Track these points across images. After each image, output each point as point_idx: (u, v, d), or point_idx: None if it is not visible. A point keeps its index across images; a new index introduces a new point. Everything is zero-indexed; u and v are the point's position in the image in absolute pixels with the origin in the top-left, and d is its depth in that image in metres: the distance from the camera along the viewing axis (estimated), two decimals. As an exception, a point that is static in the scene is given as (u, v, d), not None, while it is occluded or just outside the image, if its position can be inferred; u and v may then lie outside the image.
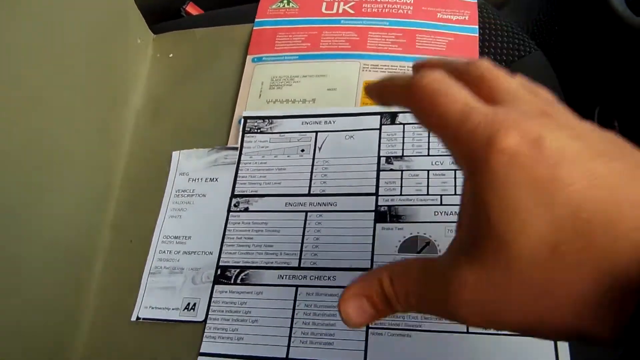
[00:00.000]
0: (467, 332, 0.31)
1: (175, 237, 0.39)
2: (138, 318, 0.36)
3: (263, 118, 0.42)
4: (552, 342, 0.30)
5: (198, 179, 0.41)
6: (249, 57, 0.45)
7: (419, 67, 0.22)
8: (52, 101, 0.36)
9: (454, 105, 0.18)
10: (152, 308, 0.36)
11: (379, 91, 0.23)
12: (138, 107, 0.45)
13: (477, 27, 0.42)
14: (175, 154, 0.42)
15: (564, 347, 0.29)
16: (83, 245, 0.38)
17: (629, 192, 0.15)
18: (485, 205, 0.16)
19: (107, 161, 0.42)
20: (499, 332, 0.30)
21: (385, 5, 0.44)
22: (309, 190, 0.38)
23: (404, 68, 0.42)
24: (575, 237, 0.15)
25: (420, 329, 0.32)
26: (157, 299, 0.37)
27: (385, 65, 0.42)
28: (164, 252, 0.38)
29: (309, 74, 0.43)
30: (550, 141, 0.16)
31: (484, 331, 0.30)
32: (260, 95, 0.43)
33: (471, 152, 0.17)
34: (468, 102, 0.18)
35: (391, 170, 0.37)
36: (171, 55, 0.48)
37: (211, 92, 0.45)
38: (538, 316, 0.17)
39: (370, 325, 0.32)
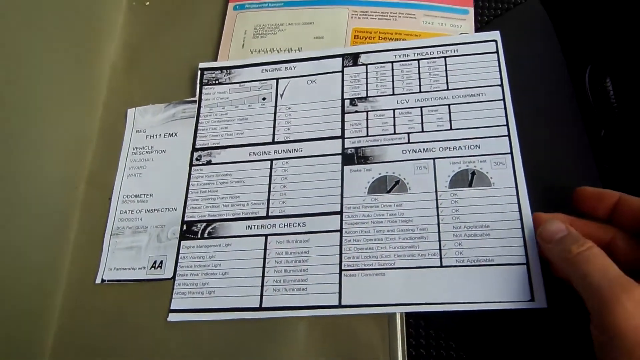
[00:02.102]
0: (441, 266, 0.30)
1: (136, 196, 0.37)
2: (103, 280, 0.35)
3: (221, 69, 0.40)
4: (525, 271, 0.30)
5: (156, 135, 0.39)
6: (230, 5, 0.43)
7: None
8: (22, 51, 0.33)
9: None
10: (117, 269, 0.35)
11: None
12: (113, 58, 0.43)
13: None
14: (130, 111, 0.40)
15: (537, 275, 0.29)
16: (60, 201, 0.36)
17: None
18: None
19: (82, 113, 0.39)
20: (471, 264, 0.30)
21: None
22: (273, 138, 0.37)
23: (395, 15, 0.40)
24: None
25: (394, 267, 0.31)
26: (121, 260, 0.35)
27: (375, 12, 0.40)
28: (125, 211, 0.37)
29: (295, 22, 0.41)
30: None
31: (456, 264, 0.30)
32: (243, 45, 0.41)
33: None
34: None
35: (356, 112, 0.36)
36: (147, 3, 0.45)
37: (191, 43, 0.42)
38: None
39: (343, 268, 0.32)
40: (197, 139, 0.38)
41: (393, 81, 0.36)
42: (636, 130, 0.35)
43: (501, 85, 0.35)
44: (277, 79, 0.39)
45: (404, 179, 0.33)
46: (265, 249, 0.33)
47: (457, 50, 0.36)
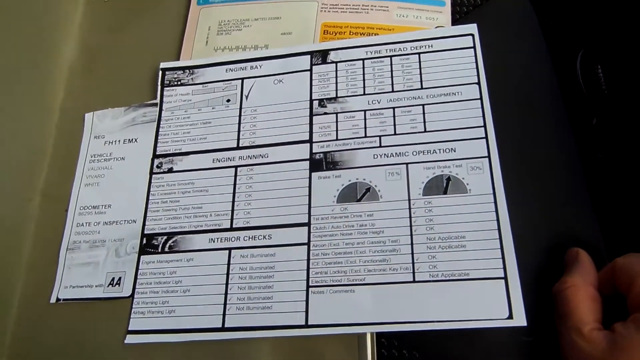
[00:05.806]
0: (414, 282, 0.28)
1: (94, 207, 0.35)
2: (58, 299, 0.33)
3: (183, 69, 0.37)
4: (503, 286, 0.28)
5: (115, 142, 0.36)
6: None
7: None
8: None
9: None
10: (73, 287, 0.33)
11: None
12: (71, 59, 0.40)
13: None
14: (88, 115, 0.38)
15: (516, 290, 0.27)
16: (12, 214, 0.34)
17: None
18: None
19: (37, 119, 0.37)
20: (446, 279, 0.28)
21: None
22: (238, 143, 0.34)
23: (367, 7, 0.37)
24: None
25: (364, 282, 0.29)
26: (77, 276, 0.33)
27: (346, 5, 0.38)
28: (82, 224, 0.34)
29: (261, 17, 0.39)
30: None
31: (430, 278, 0.28)
32: (207, 42, 0.38)
33: None
34: None
35: (325, 113, 0.34)
36: None
37: (152, 40, 0.40)
38: None
39: (310, 284, 0.30)
40: (158, 144, 0.36)
41: (364, 80, 0.34)
42: (628, 117, 0.32)
43: (478, 83, 0.32)
44: (242, 79, 0.36)
45: (375, 186, 0.31)
46: (228, 264, 0.31)
47: (431, 46, 0.34)
